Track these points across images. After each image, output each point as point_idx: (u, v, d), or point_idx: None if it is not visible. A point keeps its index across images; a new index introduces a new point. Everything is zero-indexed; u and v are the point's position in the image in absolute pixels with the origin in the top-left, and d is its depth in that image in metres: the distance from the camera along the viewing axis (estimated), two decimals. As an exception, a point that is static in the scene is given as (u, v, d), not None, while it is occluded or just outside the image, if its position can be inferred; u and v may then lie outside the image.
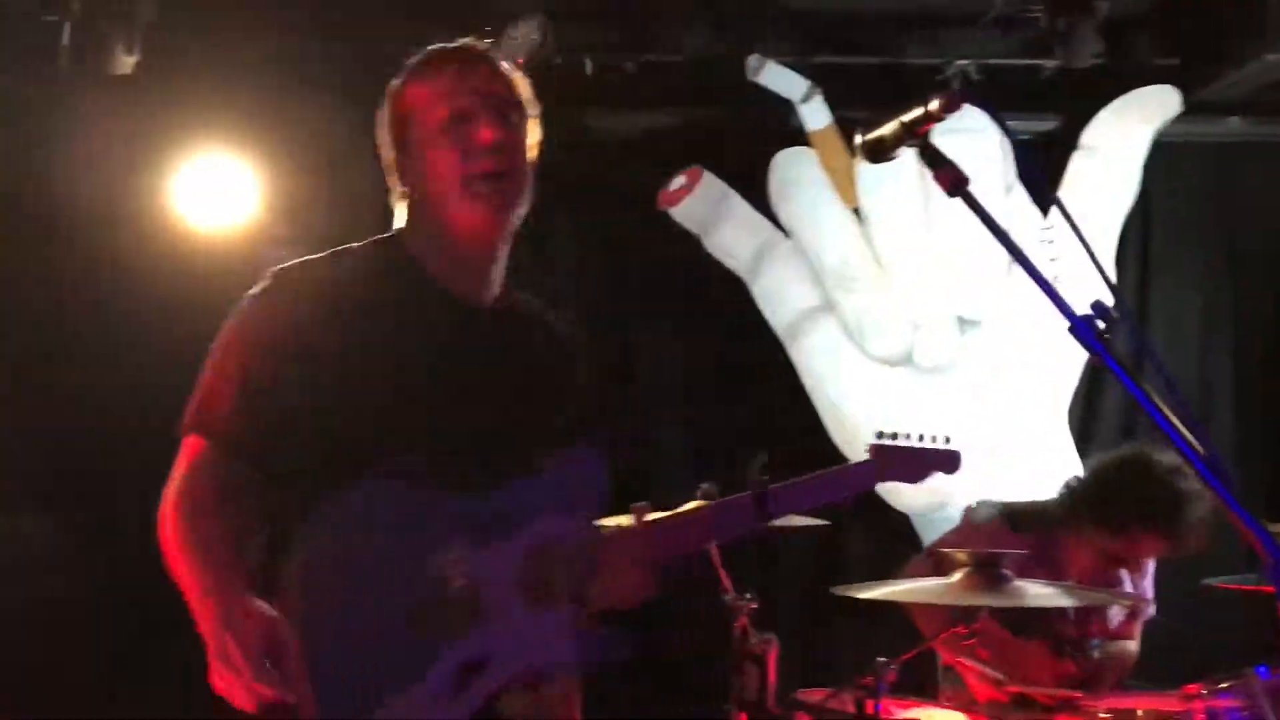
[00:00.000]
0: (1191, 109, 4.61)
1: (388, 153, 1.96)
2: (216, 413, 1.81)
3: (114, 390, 4.08)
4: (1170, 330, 4.86)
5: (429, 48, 1.98)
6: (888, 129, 1.44)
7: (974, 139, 4.36)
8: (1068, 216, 1.37)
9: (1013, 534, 3.41)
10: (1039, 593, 2.99)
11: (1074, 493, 3.36)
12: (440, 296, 1.90)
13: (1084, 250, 4.25)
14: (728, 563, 3.37)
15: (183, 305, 4.15)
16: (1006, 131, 1.38)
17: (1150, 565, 3.59)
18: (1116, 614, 3.53)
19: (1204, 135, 4.85)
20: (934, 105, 1.40)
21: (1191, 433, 1.27)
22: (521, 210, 1.92)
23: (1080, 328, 1.28)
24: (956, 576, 2.82)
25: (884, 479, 2.31)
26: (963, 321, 4.49)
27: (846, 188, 4.54)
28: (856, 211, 4.54)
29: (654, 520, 2.02)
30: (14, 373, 3.99)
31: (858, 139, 1.51)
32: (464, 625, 1.76)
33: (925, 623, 3.44)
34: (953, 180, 1.39)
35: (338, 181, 4.28)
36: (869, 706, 2.85)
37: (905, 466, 2.29)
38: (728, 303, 4.65)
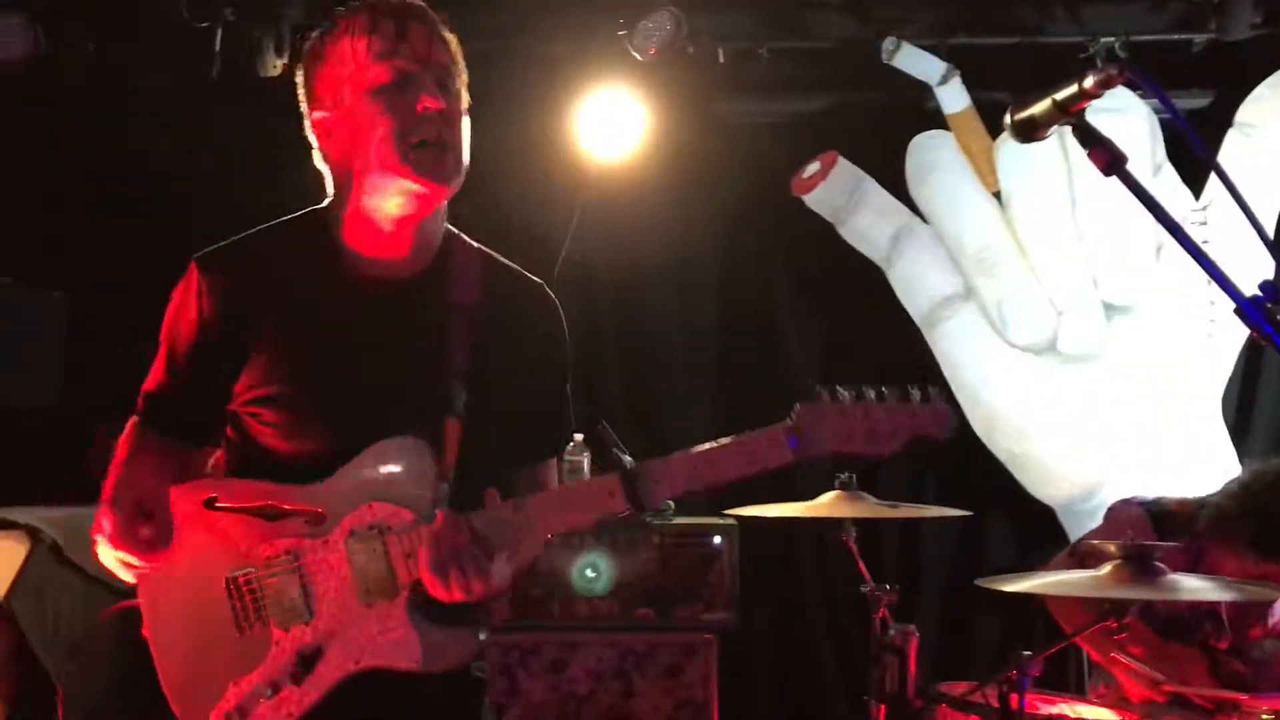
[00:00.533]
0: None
1: (312, 112, 1.88)
2: (146, 392, 1.97)
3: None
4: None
5: None
6: (1039, 107, 1.41)
7: (1119, 119, 4.21)
8: (1231, 187, 1.31)
9: (1157, 536, 3.30)
10: (1194, 586, 2.89)
11: (1224, 508, 3.19)
12: (352, 270, 1.88)
13: (1248, 225, 4.08)
14: (868, 553, 3.35)
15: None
16: (1172, 109, 1.32)
17: None
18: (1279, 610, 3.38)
19: (1373, 107, 4.58)
20: (1089, 82, 1.35)
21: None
22: (456, 186, 1.87)
23: (1247, 308, 1.23)
24: (1106, 569, 2.74)
25: (810, 452, 1.70)
26: (1110, 308, 4.34)
27: (986, 171, 4.43)
28: (997, 195, 4.43)
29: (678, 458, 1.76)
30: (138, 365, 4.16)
31: (1007, 118, 1.47)
32: (298, 615, 1.81)
33: (1066, 618, 3.36)
34: (1109, 159, 1.35)
35: (474, 179, 4.36)
36: (1013, 701, 2.79)
37: (841, 433, 1.70)
38: (866, 289, 4.59)
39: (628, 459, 1.79)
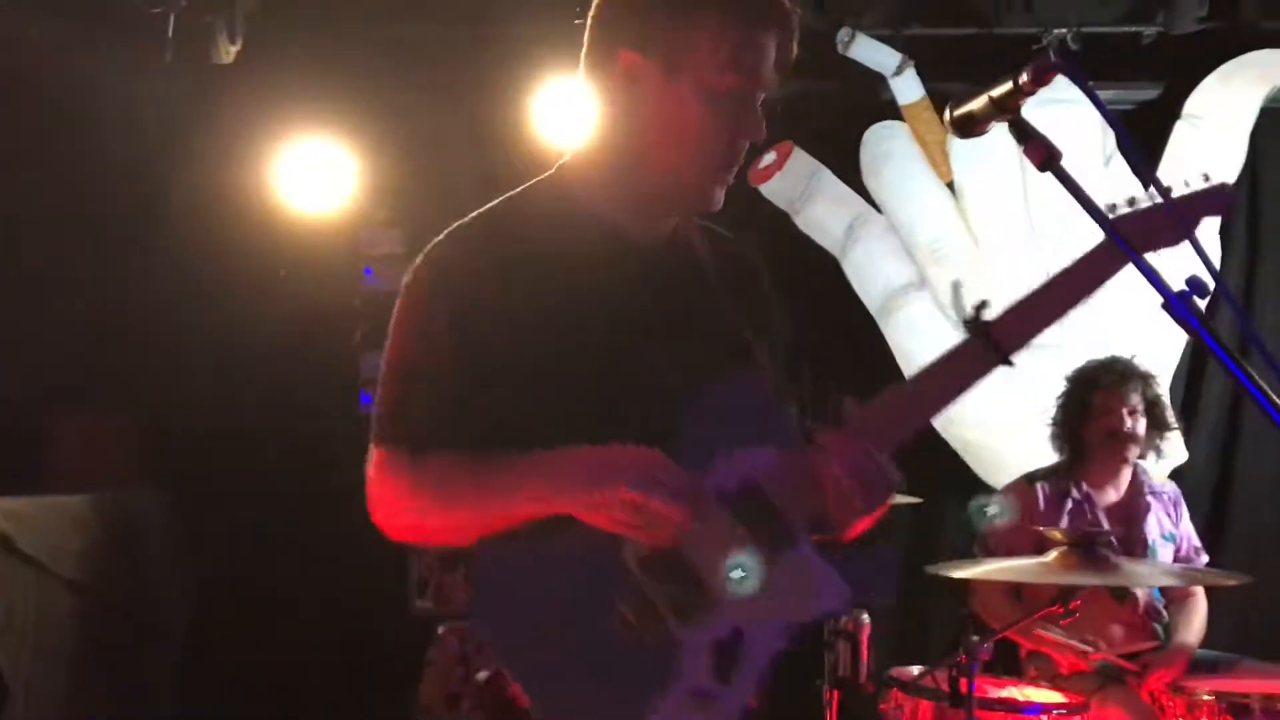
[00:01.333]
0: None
1: (626, 45, 1.62)
2: (388, 416, 1.65)
3: (215, 371, 4.23)
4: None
5: None
6: (977, 104, 1.43)
7: (1070, 110, 4.25)
8: (1164, 192, 1.34)
9: (1031, 485, 3.69)
10: (1138, 571, 2.96)
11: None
12: (607, 235, 1.67)
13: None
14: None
15: (284, 285, 4.29)
16: (1098, 105, 1.35)
17: (1183, 514, 3.63)
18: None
19: (1317, 101, 4.67)
20: (1023, 79, 1.38)
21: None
22: None
23: (1175, 304, 1.27)
24: (1053, 555, 2.79)
25: (1142, 248, 1.47)
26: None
27: (940, 161, 4.47)
28: (951, 185, 4.48)
29: (858, 412, 1.65)
30: (118, 357, 4.13)
31: (947, 115, 1.49)
32: (696, 604, 1.53)
33: (990, 612, 3.47)
34: (1044, 155, 1.38)
35: (436, 166, 4.37)
36: (963, 685, 2.85)
37: (1155, 230, 1.68)
38: (820, 279, 4.62)
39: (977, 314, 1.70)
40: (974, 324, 1.63)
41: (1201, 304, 1.28)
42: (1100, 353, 3.87)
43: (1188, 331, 1.27)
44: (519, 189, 1.74)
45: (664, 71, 1.61)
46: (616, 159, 1.67)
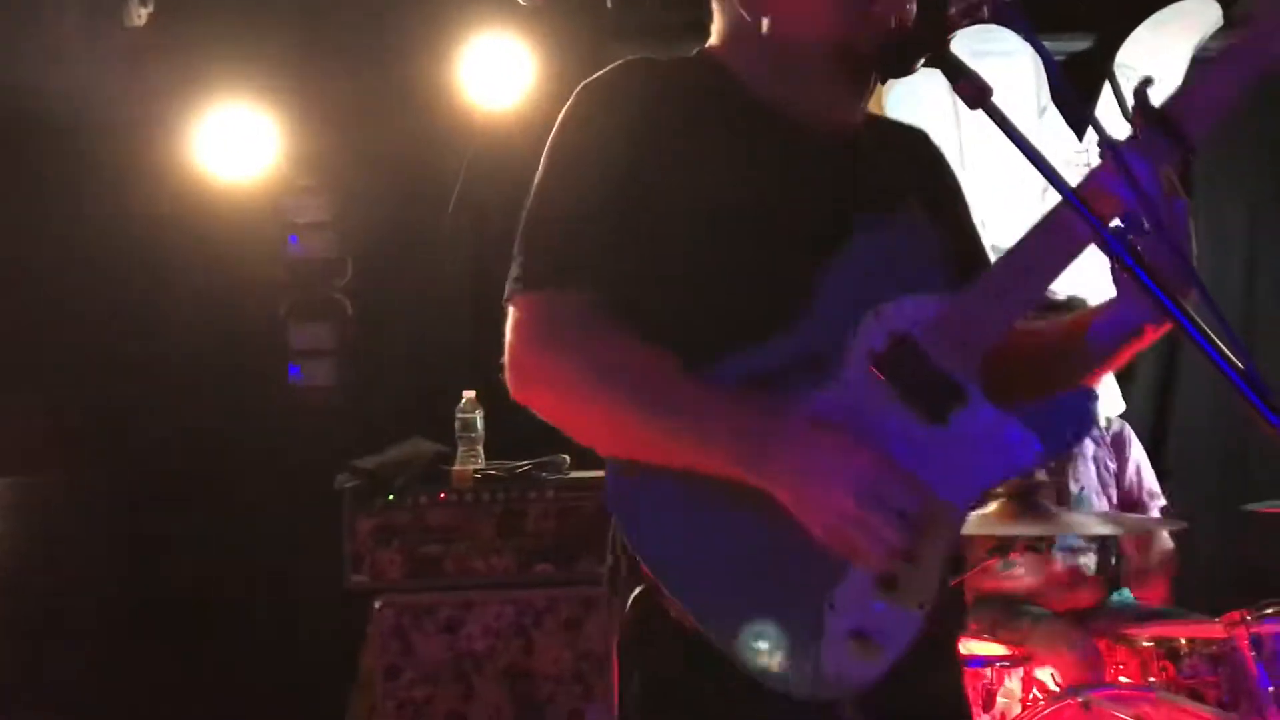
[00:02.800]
0: (1233, 23, 4.46)
1: None
2: (552, 254, 1.46)
3: (134, 346, 4.10)
4: (1217, 244, 4.74)
5: None
6: (904, 41, 1.38)
7: (1005, 61, 4.24)
8: (1102, 131, 1.30)
9: None
10: (1076, 520, 2.97)
11: None
12: (773, 120, 1.52)
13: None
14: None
15: (206, 256, 4.16)
16: (1036, 44, 1.29)
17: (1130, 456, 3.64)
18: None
19: (1245, 49, 4.69)
20: (952, 11, 1.33)
21: (1231, 348, 1.21)
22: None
23: (1110, 241, 1.22)
24: (992, 507, 2.79)
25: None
26: (997, 250, 4.38)
27: (875, 108, 4.43)
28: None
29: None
30: (36, 329, 4.00)
31: (877, 54, 1.44)
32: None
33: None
34: (974, 92, 1.33)
35: (359, 132, 4.25)
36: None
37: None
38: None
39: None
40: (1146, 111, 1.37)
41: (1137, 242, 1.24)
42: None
43: (1120, 266, 1.23)
44: (671, 57, 1.57)
45: None
46: (770, 62, 1.53)
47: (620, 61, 1.54)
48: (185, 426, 4.06)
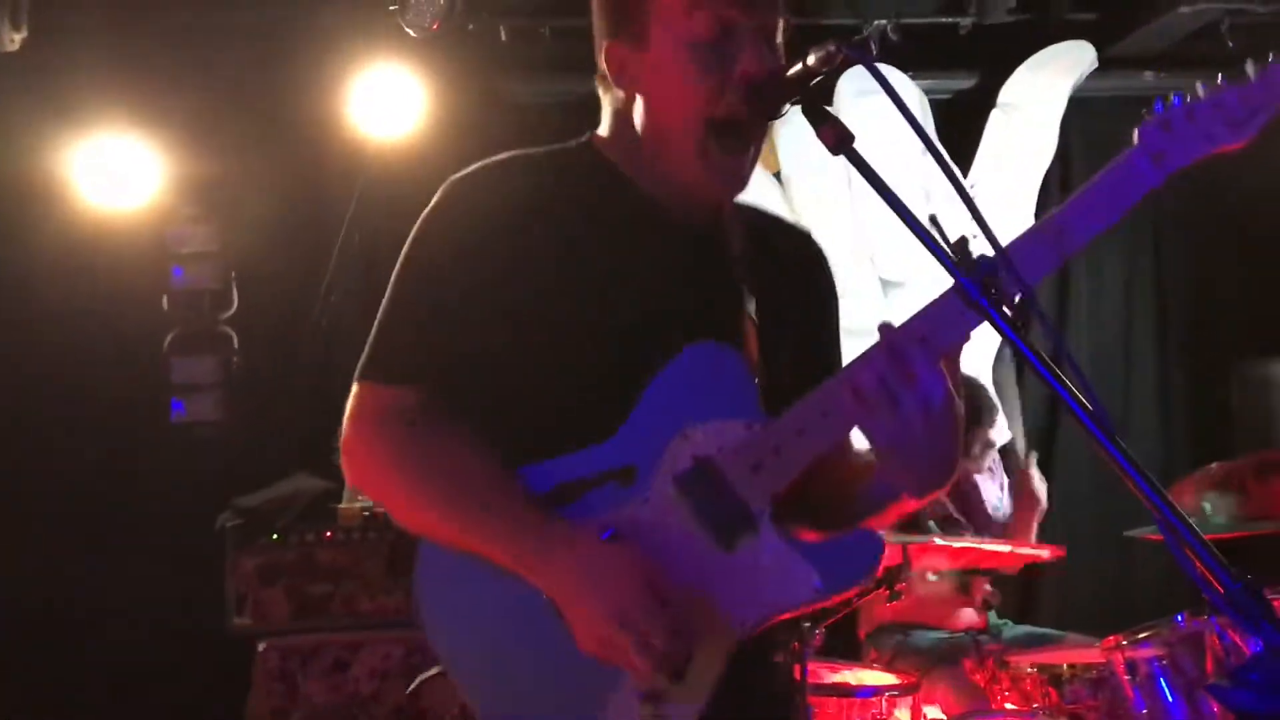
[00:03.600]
0: (1107, 64, 4.63)
1: (604, 36, 1.58)
2: (396, 351, 1.52)
3: (13, 376, 3.97)
4: (1093, 283, 4.91)
5: None
6: (769, 86, 1.39)
7: (904, 102, 4.34)
8: (946, 168, 1.33)
9: None
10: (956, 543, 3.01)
11: None
12: (646, 211, 1.56)
13: (1014, 201, 4.24)
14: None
15: (86, 287, 4.04)
16: (884, 84, 1.32)
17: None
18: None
19: (1120, 90, 4.87)
20: (812, 60, 1.35)
21: (1081, 391, 1.24)
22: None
23: (966, 285, 1.25)
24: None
25: (1167, 162, 1.47)
26: (886, 284, 4.48)
27: (767, 152, 4.49)
28: (777, 175, 4.51)
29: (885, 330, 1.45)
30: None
31: (743, 96, 1.45)
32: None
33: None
34: (836, 138, 1.35)
35: (246, 161, 4.18)
36: (796, 671, 2.85)
37: (1200, 130, 1.50)
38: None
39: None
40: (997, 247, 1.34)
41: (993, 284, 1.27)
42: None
43: (975, 309, 1.25)
44: (545, 149, 1.61)
45: (639, 46, 1.53)
46: (646, 147, 1.57)
47: (492, 161, 1.58)
48: (61, 464, 3.93)
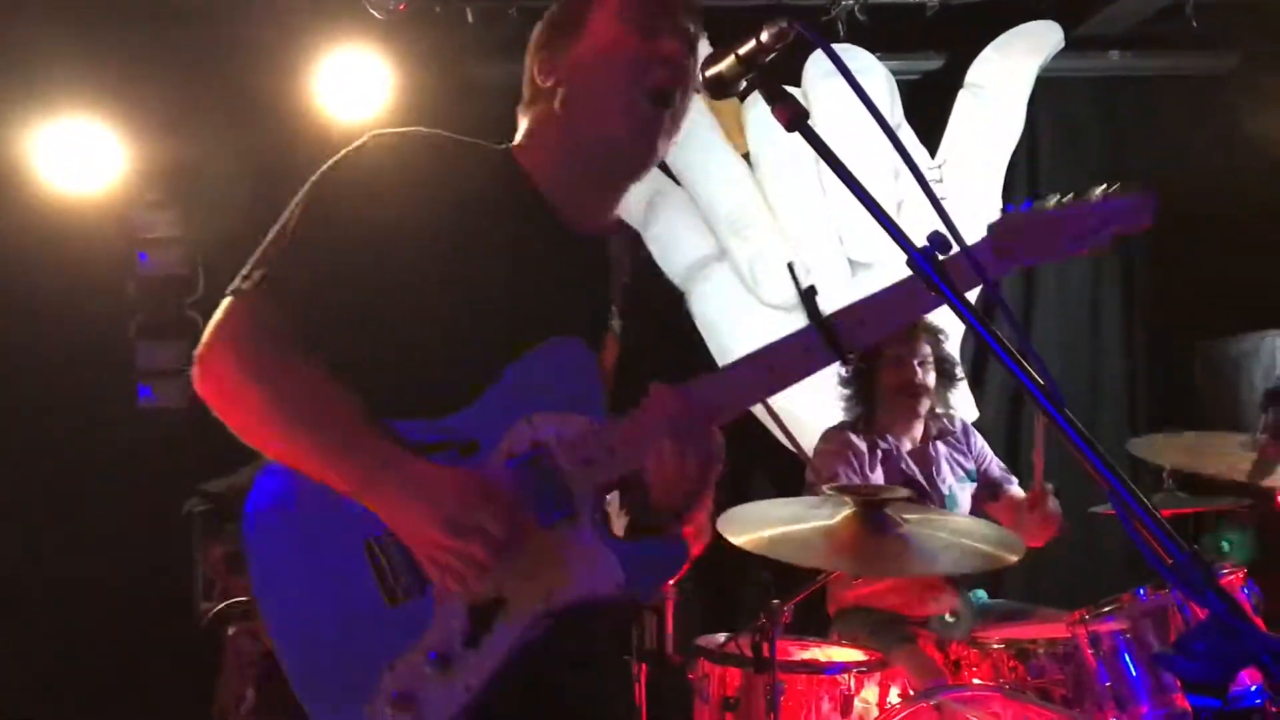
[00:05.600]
0: (1073, 44, 4.65)
1: (537, 51, 1.74)
2: (280, 273, 1.58)
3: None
4: (1061, 265, 4.94)
5: None
6: (725, 64, 1.40)
7: (858, 80, 4.35)
8: (905, 154, 1.34)
9: (844, 432, 3.68)
10: (929, 549, 2.99)
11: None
12: (543, 215, 1.68)
13: (981, 181, 4.24)
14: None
15: (50, 273, 4.00)
16: (836, 60, 1.33)
17: (975, 441, 3.77)
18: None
19: (1086, 70, 4.90)
20: (765, 36, 1.35)
21: (1031, 365, 1.25)
22: (668, 149, 1.72)
23: (919, 260, 1.26)
24: (840, 517, 2.81)
25: (1017, 261, 1.56)
26: (854, 264, 4.49)
27: (735, 133, 4.50)
28: (747, 157, 4.51)
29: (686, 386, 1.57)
30: None
31: (699, 75, 1.46)
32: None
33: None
34: (790, 116, 1.35)
35: (211, 145, 4.14)
36: (764, 649, 2.87)
37: (1043, 238, 1.54)
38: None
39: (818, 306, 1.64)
40: (818, 320, 1.56)
41: (942, 258, 1.28)
42: None
43: (929, 286, 1.26)
44: (474, 140, 1.71)
45: (575, 36, 1.68)
46: (561, 150, 1.69)
47: (416, 131, 1.67)
48: (28, 451, 3.90)
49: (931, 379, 3.68)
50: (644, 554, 1.55)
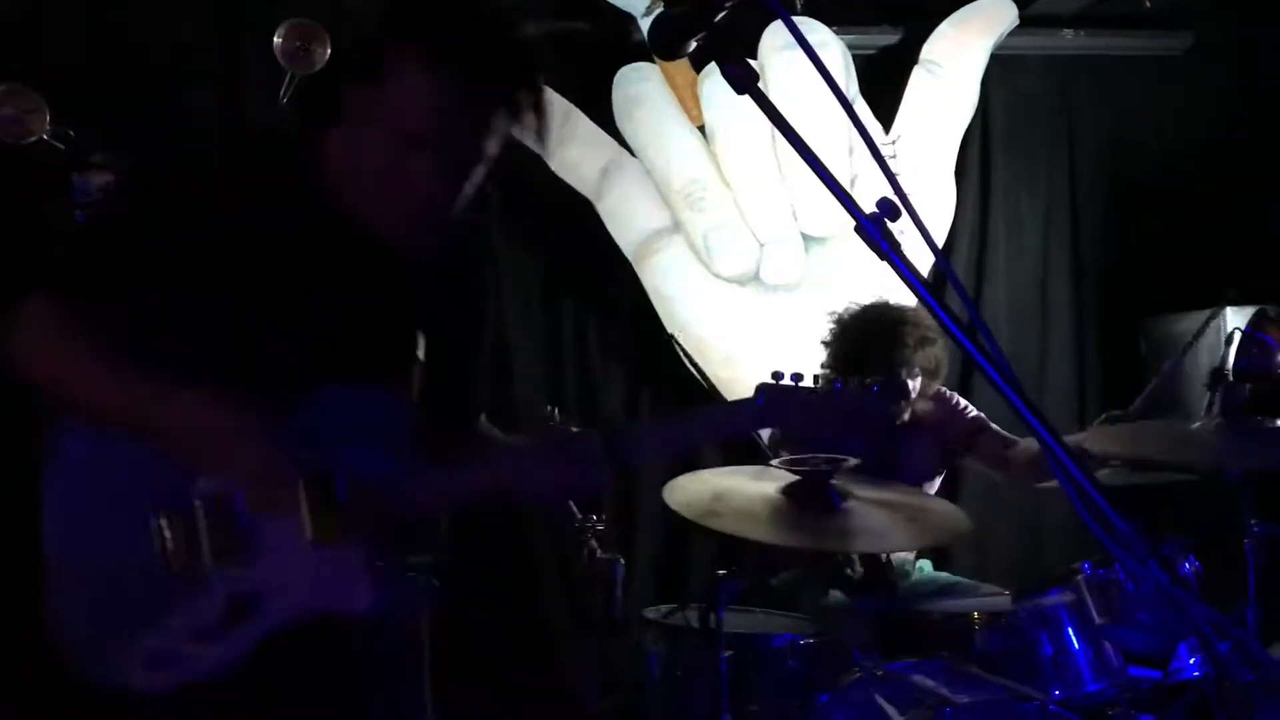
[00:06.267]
0: (1027, 21, 4.67)
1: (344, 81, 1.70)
2: (98, 274, 1.67)
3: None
4: (1012, 237, 4.97)
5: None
6: (676, 22, 1.37)
7: (817, 52, 4.33)
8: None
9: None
10: (869, 526, 2.97)
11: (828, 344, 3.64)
12: (355, 232, 1.70)
13: (936, 156, 4.20)
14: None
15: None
16: (802, 42, 1.31)
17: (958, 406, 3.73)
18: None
19: (1040, 48, 4.92)
20: (711, -4, 1.32)
21: (981, 338, 1.25)
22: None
23: (867, 226, 1.24)
24: (784, 487, 2.79)
25: (775, 425, 1.92)
26: (808, 238, 4.49)
27: (691, 104, 4.46)
28: (702, 129, 4.48)
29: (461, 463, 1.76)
30: None
31: (647, 34, 1.43)
32: (236, 555, 1.63)
33: None
34: (740, 78, 1.33)
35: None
36: (710, 619, 2.86)
37: (804, 414, 1.78)
38: (575, 223, 4.56)
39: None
40: (603, 426, 1.70)
41: (892, 226, 1.26)
42: (837, 292, 3.93)
43: (877, 253, 1.25)
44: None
45: (372, 77, 1.64)
46: (367, 179, 1.70)
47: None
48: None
49: (918, 384, 3.59)
50: (394, 581, 1.72)
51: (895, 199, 1.26)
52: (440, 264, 1.81)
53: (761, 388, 1.75)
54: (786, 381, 1.74)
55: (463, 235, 1.87)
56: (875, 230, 1.24)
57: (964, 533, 3.13)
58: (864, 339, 3.50)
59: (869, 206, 1.27)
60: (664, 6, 4.38)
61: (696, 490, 2.83)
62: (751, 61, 4.29)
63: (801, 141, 1.31)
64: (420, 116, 1.61)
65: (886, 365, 3.41)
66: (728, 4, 1.31)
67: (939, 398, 3.73)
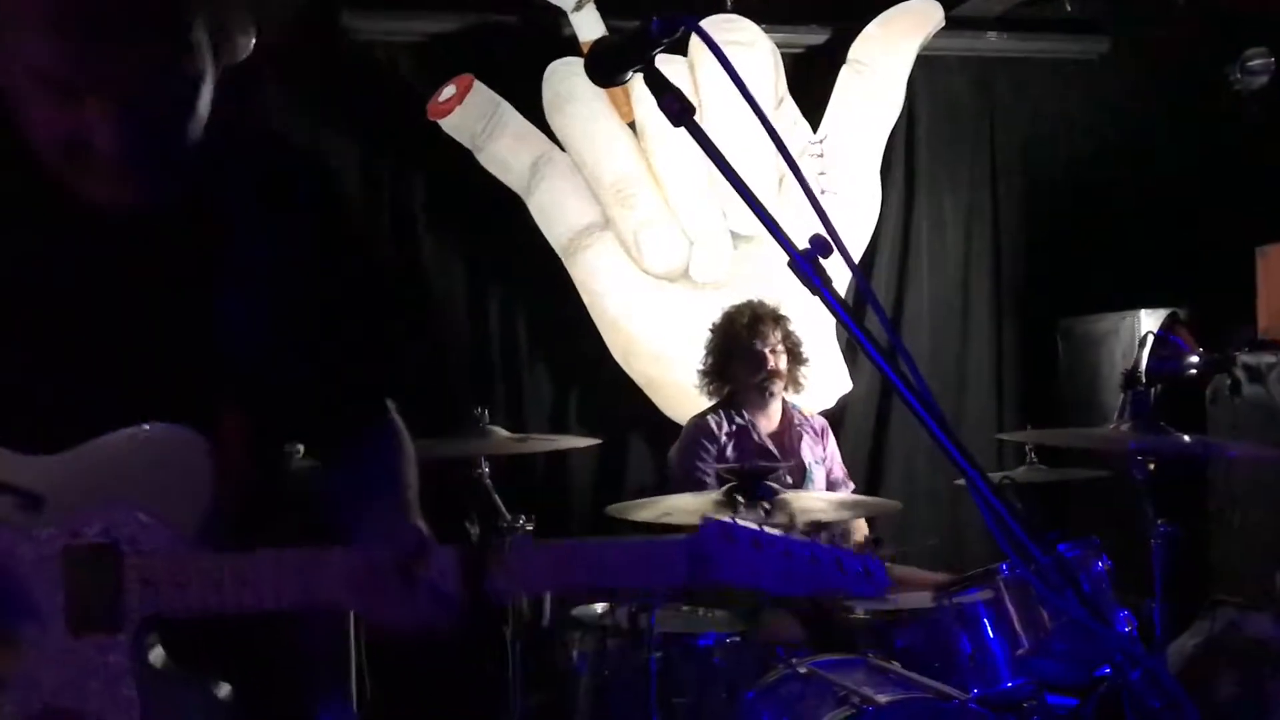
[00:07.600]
0: (952, 23, 4.74)
1: None
2: None
3: None
4: (935, 237, 5.05)
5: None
6: (612, 55, 1.38)
7: (745, 52, 4.36)
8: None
9: (706, 418, 3.85)
10: (807, 507, 3.06)
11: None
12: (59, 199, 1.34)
13: (862, 157, 4.27)
14: (507, 483, 3.34)
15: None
16: (725, 64, 1.32)
17: (829, 442, 3.96)
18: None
19: (965, 49, 5.01)
20: (654, 30, 1.33)
21: (900, 361, 1.28)
22: None
23: (799, 261, 1.27)
24: (715, 495, 2.85)
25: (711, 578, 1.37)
26: (736, 236, 4.52)
27: (622, 101, 4.46)
28: (633, 125, 4.49)
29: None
30: None
31: (584, 64, 1.44)
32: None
33: None
34: (676, 110, 1.34)
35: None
36: (642, 620, 2.89)
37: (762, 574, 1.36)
38: (504, 218, 4.55)
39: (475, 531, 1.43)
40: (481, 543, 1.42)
41: (825, 262, 1.29)
42: (764, 290, 4.01)
43: (810, 289, 1.27)
44: None
45: None
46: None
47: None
48: None
49: (784, 362, 3.84)
50: (170, 695, 1.35)
51: (825, 233, 1.28)
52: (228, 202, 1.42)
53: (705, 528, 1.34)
54: (744, 521, 1.35)
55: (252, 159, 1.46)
56: (808, 266, 1.26)
57: (895, 509, 3.40)
58: (729, 327, 3.88)
59: (797, 208, 1.27)
60: (594, 4, 4.38)
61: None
62: (681, 59, 4.30)
63: (735, 174, 1.33)
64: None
65: (749, 351, 3.79)
66: (665, 41, 1.31)
67: (822, 429, 4.01)
